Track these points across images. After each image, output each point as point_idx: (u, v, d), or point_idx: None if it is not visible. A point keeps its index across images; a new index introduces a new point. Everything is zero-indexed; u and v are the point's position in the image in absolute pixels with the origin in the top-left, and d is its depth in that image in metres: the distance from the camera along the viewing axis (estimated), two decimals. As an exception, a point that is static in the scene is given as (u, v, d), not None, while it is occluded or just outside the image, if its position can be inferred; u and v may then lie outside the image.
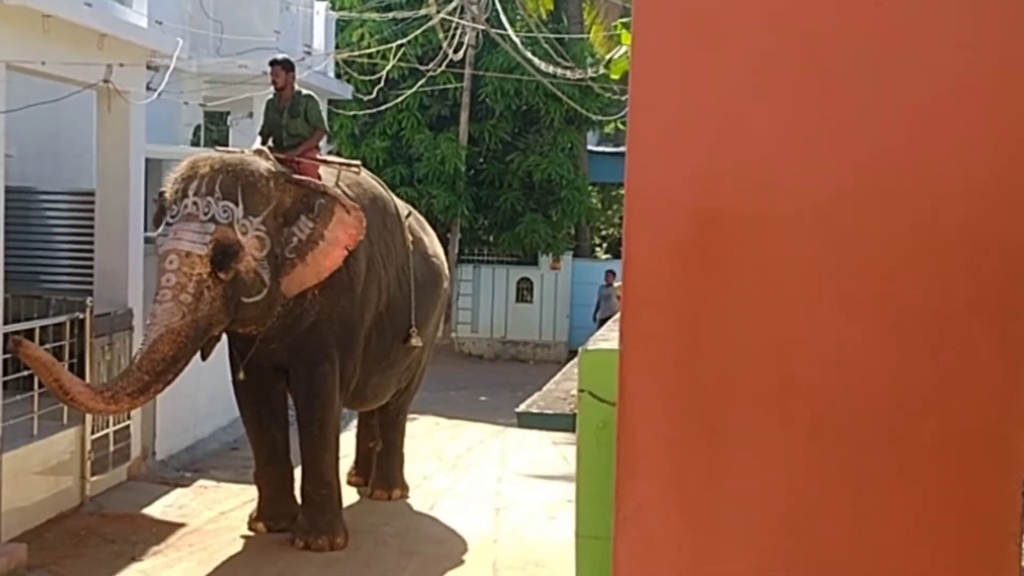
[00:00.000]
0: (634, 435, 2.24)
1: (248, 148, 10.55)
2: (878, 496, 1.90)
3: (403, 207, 12.03)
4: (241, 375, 10.32)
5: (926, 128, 1.87)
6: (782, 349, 2.02)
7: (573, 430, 4.43)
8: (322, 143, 11.74)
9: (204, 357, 9.73)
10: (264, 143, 10.64)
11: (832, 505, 1.95)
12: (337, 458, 10.68)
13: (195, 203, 9.38)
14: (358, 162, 11.81)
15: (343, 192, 10.54)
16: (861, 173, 1.93)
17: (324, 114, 13.28)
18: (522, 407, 6.76)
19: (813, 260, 1.99)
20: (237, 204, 9.44)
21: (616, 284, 24.38)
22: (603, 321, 23.50)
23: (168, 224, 9.46)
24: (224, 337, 10.22)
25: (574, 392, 4.70)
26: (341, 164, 11.31)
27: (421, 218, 12.95)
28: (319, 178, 10.37)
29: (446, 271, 12.83)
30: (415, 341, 11.37)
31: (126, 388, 9.09)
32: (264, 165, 9.86)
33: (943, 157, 1.86)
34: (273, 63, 10.95)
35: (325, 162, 10.99)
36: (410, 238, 11.52)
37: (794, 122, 2.02)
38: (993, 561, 1.78)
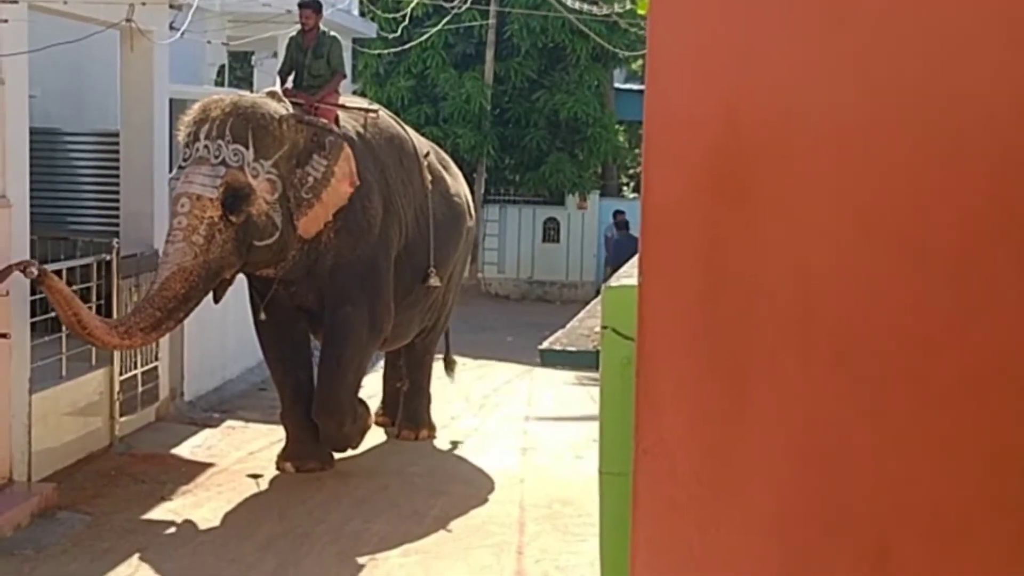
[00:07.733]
0: (654, 368, 2.22)
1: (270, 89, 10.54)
2: (900, 429, 1.87)
3: (423, 146, 11.97)
4: (262, 316, 10.39)
5: (950, 52, 1.82)
6: (803, 280, 1.99)
7: (597, 368, 4.40)
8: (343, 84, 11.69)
9: (216, 299, 9.85)
10: (284, 82, 10.64)
11: (853, 438, 1.92)
12: (352, 399, 10.70)
13: (206, 146, 9.47)
14: (377, 107, 11.75)
15: (359, 131, 10.57)
16: (883, 99, 1.89)
17: (347, 55, 13.20)
18: (545, 344, 6.73)
19: (834, 189, 1.95)
20: (248, 147, 9.52)
21: None
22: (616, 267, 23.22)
23: (180, 168, 9.57)
24: (243, 279, 10.26)
25: (598, 329, 4.68)
26: (360, 109, 11.26)
27: (444, 156, 12.86)
28: (337, 122, 10.37)
29: (470, 210, 12.75)
30: (433, 281, 11.38)
31: (139, 323, 9.35)
32: (276, 107, 9.86)
33: (969, 81, 1.81)
34: (303, 5, 10.89)
35: (343, 107, 10.93)
36: (428, 177, 11.48)
37: (814, 49, 1.97)
38: (1018, 493, 1.75)
